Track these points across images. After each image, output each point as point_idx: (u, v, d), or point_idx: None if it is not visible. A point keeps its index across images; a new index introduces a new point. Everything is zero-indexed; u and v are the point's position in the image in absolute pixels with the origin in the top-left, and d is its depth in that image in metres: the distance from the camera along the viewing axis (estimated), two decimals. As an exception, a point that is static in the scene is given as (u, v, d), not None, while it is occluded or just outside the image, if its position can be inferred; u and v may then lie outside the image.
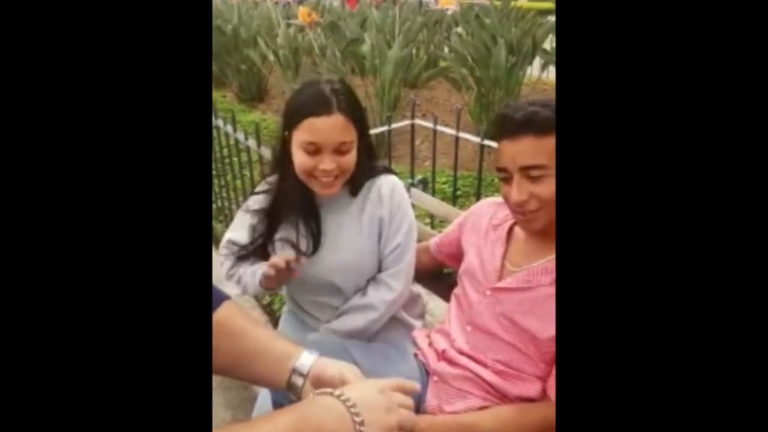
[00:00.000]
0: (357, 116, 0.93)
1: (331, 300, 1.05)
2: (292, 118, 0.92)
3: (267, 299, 1.87)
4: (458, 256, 1.07)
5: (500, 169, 0.86)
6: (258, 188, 1.08)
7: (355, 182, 0.99)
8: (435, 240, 1.15)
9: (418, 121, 1.85)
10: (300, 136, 0.91)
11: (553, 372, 0.85)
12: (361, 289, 1.04)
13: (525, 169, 0.82)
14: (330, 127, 0.89)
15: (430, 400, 0.94)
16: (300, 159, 0.92)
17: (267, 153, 1.57)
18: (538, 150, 0.81)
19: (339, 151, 0.91)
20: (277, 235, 1.02)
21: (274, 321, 1.73)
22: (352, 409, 0.49)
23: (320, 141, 0.90)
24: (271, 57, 3.82)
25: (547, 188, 0.82)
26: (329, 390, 0.51)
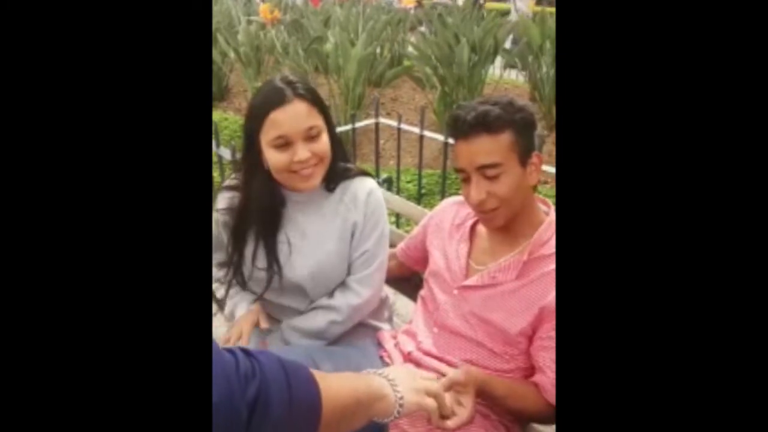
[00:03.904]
0: (318, 103, 0.90)
1: (297, 304, 1.02)
2: (255, 120, 0.90)
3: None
4: (425, 260, 1.06)
5: (459, 170, 0.86)
6: (226, 183, 1.04)
7: (331, 177, 0.96)
8: (401, 245, 1.14)
9: (383, 120, 1.84)
10: (267, 134, 0.88)
11: (543, 376, 0.85)
12: (329, 293, 1.02)
13: (481, 169, 0.82)
14: (292, 114, 0.86)
15: None
16: (273, 157, 0.89)
17: (226, 153, 1.53)
18: (493, 149, 0.82)
19: (309, 137, 0.88)
20: (248, 239, 0.98)
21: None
22: (395, 388, 0.64)
23: (287, 131, 0.87)
24: (232, 54, 3.73)
25: (504, 186, 0.83)
26: (377, 371, 0.66)
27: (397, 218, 1.91)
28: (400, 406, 0.63)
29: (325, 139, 0.91)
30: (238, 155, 1.53)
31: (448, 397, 0.74)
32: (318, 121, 0.89)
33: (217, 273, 1.08)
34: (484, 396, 0.83)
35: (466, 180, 0.86)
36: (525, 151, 0.83)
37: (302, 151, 0.88)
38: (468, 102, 0.85)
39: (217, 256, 1.05)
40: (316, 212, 0.98)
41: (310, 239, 0.98)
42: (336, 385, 0.58)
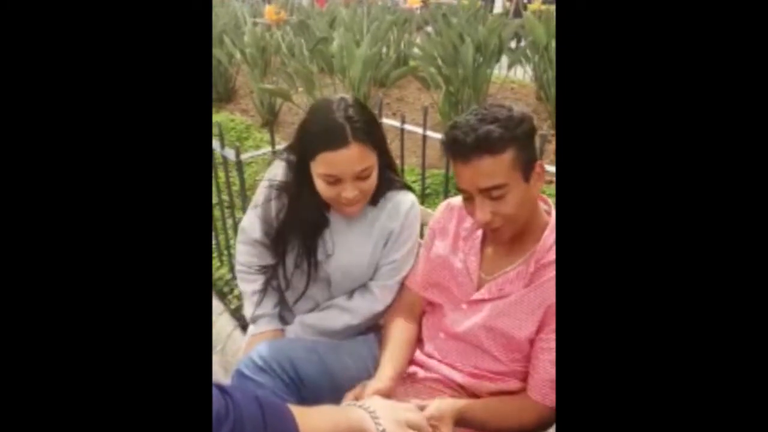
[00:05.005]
0: (374, 138, 0.90)
1: (318, 295, 1.05)
2: (307, 150, 0.90)
3: (235, 303, 1.84)
4: None
5: (461, 190, 0.84)
6: (264, 183, 1.05)
7: (376, 194, 0.99)
8: (415, 279, 1.04)
9: (386, 120, 1.84)
10: (318, 168, 0.89)
11: (535, 375, 0.85)
12: (348, 292, 1.04)
13: (486, 191, 0.80)
14: (347, 158, 0.86)
15: (398, 395, 0.94)
16: (321, 187, 0.91)
17: (231, 154, 1.54)
18: (496, 170, 0.78)
19: (360, 177, 0.89)
20: (290, 241, 1.01)
21: (243, 326, 1.70)
22: (376, 420, 0.64)
23: (339, 173, 0.88)
24: (238, 56, 3.75)
25: (509, 205, 0.80)
26: (358, 403, 0.67)
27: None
28: None
29: (374, 176, 0.92)
30: (242, 156, 1.54)
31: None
32: (371, 161, 0.90)
33: (254, 263, 1.09)
34: (465, 423, 0.82)
35: (469, 199, 0.83)
36: (528, 164, 0.81)
37: (350, 190, 0.89)
38: (465, 118, 0.81)
39: (258, 251, 1.07)
40: (358, 219, 1.01)
41: (349, 239, 1.01)
42: (315, 419, 0.58)
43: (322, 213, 0.99)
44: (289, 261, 1.01)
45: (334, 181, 0.89)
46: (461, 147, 0.79)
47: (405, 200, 1.01)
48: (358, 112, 0.89)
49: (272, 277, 1.05)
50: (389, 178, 1.01)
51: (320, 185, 0.91)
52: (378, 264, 1.03)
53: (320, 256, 1.01)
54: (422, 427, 0.68)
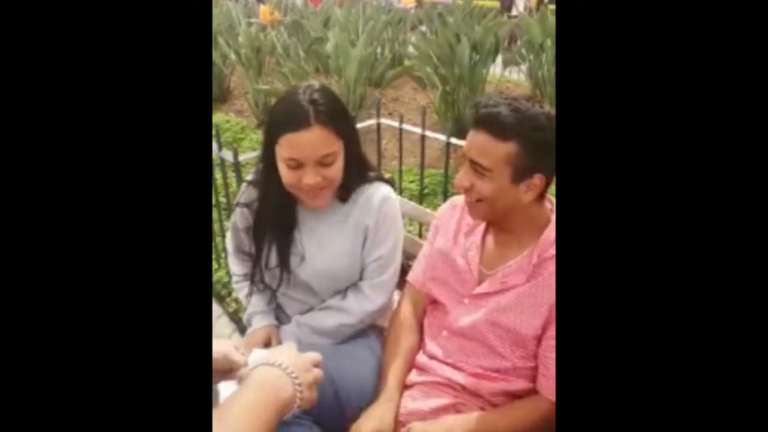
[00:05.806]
0: (339, 125, 0.89)
1: (305, 298, 1.04)
2: (272, 133, 0.90)
3: (233, 306, 1.83)
4: None
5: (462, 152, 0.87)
6: (248, 178, 1.05)
7: (345, 190, 0.97)
8: (416, 275, 1.04)
9: (384, 121, 1.84)
10: (281, 151, 0.88)
11: (546, 373, 0.85)
12: (339, 292, 1.03)
13: (471, 162, 0.83)
14: (309, 141, 0.86)
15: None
16: (284, 173, 0.90)
17: (228, 156, 1.53)
18: (486, 151, 0.81)
19: (322, 163, 0.88)
20: (264, 237, 1.00)
21: (241, 329, 1.69)
22: (291, 375, 0.60)
23: (301, 156, 0.87)
24: (233, 56, 3.73)
25: (487, 188, 0.83)
26: (267, 363, 0.60)
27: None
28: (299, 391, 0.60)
29: (338, 165, 0.91)
30: (240, 157, 1.53)
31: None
32: (334, 147, 0.89)
33: (237, 272, 1.10)
34: None
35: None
36: (525, 170, 0.81)
37: (312, 176, 0.88)
38: (498, 95, 0.84)
39: (238, 253, 1.07)
40: (329, 216, 0.99)
41: (323, 240, 0.99)
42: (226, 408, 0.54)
43: (290, 204, 0.98)
44: (263, 262, 1.01)
45: (296, 165, 0.87)
46: (474, 114, 0.83)
47: (377, 192, 0.98)
48: (324, 97, 0.88)
49: (256, 279, 1.05)
50: (360, 173, 0.98)
51: (283, 171, 0.90)
52: (363, 263, 1.00)
53: (294, 262, 0.99)
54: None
